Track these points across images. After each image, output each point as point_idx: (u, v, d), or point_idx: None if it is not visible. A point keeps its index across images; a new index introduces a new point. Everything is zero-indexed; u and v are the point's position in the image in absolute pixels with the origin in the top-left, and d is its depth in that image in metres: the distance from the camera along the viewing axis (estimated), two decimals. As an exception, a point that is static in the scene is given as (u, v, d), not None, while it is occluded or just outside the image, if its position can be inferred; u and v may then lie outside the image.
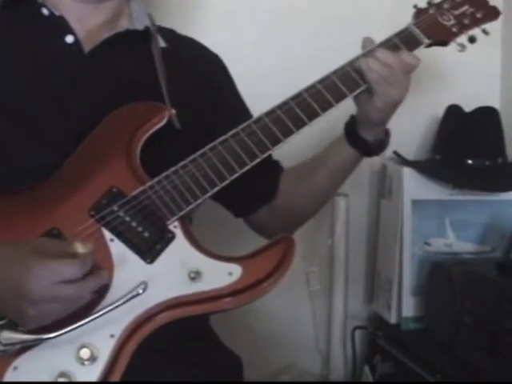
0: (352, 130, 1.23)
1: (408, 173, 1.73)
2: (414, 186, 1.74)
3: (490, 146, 1.76)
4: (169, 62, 1.21)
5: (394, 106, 1.19)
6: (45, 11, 1.17)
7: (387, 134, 1.26)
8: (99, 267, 0.99)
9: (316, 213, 1.35)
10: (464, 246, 1.77)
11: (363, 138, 1.22)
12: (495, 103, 1.86)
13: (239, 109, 1.32)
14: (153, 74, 1.19)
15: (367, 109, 1.19)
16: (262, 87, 1.70)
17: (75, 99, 1.14)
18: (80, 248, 0.96)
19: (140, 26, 1.21)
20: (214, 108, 1.25)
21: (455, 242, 1.76)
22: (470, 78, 1.82)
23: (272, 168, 1.32)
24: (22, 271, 0.94)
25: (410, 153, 1.82)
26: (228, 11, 1.73)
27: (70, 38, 1.16)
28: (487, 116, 1.76)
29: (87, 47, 1.17)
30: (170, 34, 1.28)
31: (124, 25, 1.22)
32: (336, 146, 1.26)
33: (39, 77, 1.14)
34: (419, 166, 1.76)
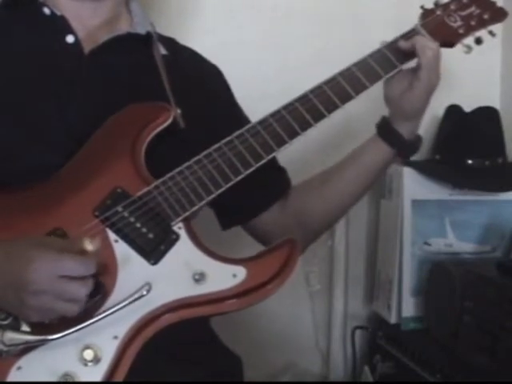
0: (385, 126, 1.23)
1: (408, 173, 1.73)
2: (413, 186, 1.73)
3: (490, 146, 1.76)
4: (169, 68, 1.21)
5: (430, 94, 1.20)
6: (46, 11, 1.17)
7: (419, 138, 1.27)
8: (103, 268, 0.99)
9: (337, 220, 1.35)
10: (464, 245, 1.77)
11: (398, 131, 1.22)
12: (495, 103, 1.86)
13: (236, 116, 1.30)
14: (155, 76, 1.19)
15: (404, 100, 1.20)
16: (262, 87, 1.71)
17: (75, 99, 1.13)
18: (88, 244, 0.95)
19: (142, 31, 1.21)
20: (214, 113, 1.24)
21: (455, 242, 1.76)
22: (470, 78, 1.82)
23: (281, 171, 1.32)
24: (22, 263, 0.93)
25: (410, 153, 1.82)
26: (228, 11, 1.73)
27: (70, 38, 1.16)
28: (487, 116, 1.76)
29: (87, 47, 1.16)
30: (170, 43, 1.28)
31: (124, 28, 1.22)
32: (367, 145, 1.26)
33: (39, 76, 1.13)
34: (419, 165, 1.75)
